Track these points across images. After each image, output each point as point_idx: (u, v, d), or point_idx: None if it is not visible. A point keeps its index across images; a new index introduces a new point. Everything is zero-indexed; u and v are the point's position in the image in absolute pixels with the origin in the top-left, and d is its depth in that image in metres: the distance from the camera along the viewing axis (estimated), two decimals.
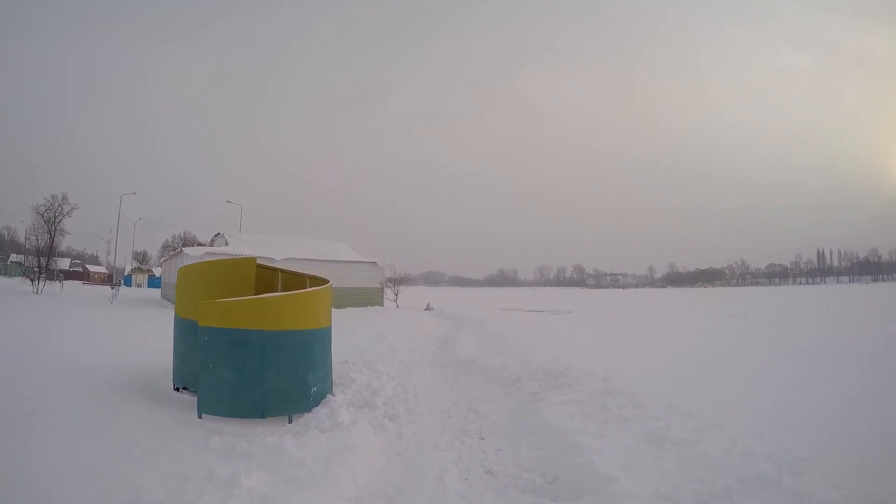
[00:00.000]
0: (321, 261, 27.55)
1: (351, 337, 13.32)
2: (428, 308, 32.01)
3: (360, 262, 29.69)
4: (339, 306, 28.63)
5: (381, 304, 29.83)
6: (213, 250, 25.07)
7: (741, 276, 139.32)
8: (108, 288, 38.08)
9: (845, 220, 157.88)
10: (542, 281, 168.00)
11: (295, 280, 8.31)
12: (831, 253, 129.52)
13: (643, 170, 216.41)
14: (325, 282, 7.37)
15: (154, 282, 54.15)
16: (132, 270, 68.67)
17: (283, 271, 8.41)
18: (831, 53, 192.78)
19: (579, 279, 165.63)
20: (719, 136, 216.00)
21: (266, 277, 8.29)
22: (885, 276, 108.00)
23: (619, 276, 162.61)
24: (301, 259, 26.66)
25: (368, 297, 29.15)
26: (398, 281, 32.30)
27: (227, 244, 28.75)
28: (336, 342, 12.78)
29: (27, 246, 61.14)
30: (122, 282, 54.96)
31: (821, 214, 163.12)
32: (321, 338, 6.38)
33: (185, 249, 24.52)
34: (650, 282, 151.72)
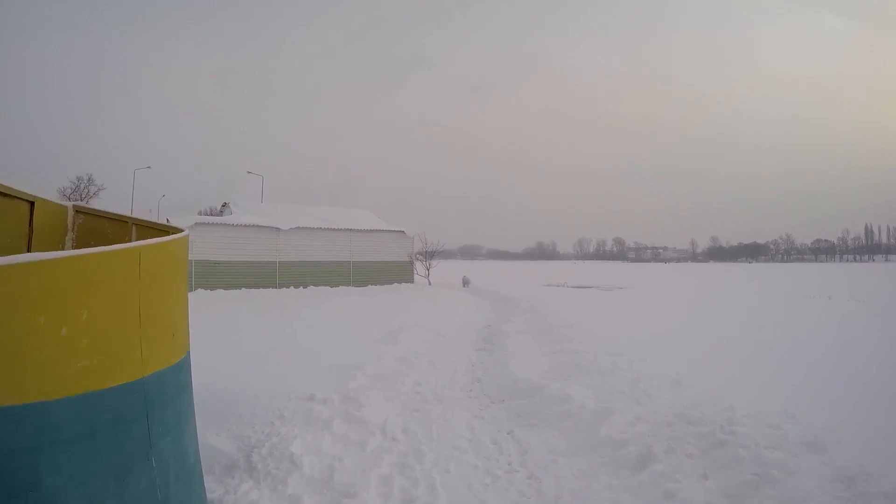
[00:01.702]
0: (336, 230, 23.29)
1: (348, 335, 8.99)
2: (464, 283, 27.51)
3: (385, 230, 25.24)
4: (359, 283, 24.70)
5: (411, 281, 25.43)
6: (205, 219, 21.08)
7: (786, 252, 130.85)
8: None
9: (894, 193, 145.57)
10: (582, 254, 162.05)
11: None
12: (879, 229, 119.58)
13: (684, 139, 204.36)
14: (174, 231, 2.93)
15: None
16: None
17: (142, 224, 3.95)
18: (872, 15, 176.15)
19: (619, 252, 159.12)
20: (761, 105, 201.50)
21: (111, 235, 3.89)
22: None
23: (660, 250, 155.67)
24: (312, 228, 22.51)
25: (395, 273, 24.80)
26: (430, 254, 27.67)
27: (231, 213, 24.72)
28: (322, 347, 7.83)
29: None
30: None
31: (869, 188, 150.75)
32: (112, 415, 1.92)
33: (172, 219, 20.59)
34: (692, 256, 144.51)
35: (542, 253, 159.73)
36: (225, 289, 19.42)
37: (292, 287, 20.94)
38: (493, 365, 7.34)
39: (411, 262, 25.82)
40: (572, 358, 7.38)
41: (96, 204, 60.03)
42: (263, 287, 20.50)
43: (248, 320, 11.50)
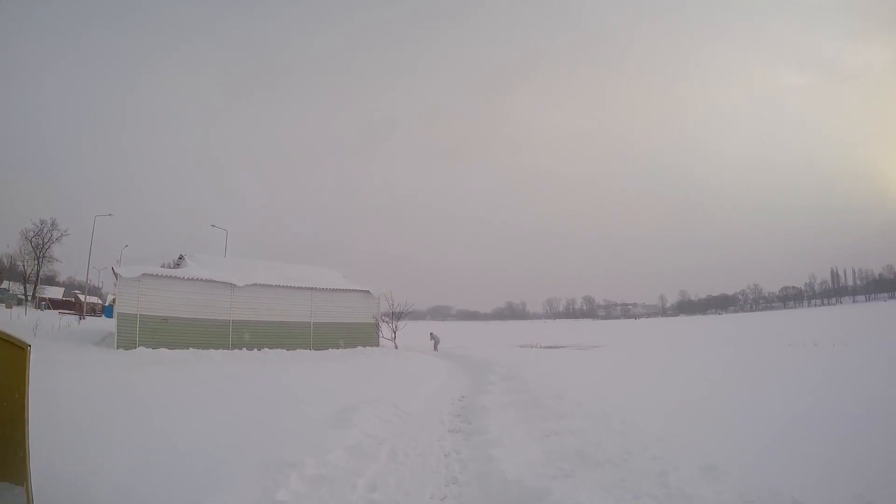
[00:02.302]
0: (296, 288, 21.59)
1: (292, 415, 7.33)
2: (434, 341, 25.72)
3: (349, 290, 23.60)
4: (319, 347, 22.61)
5: (376, 345, 23.56)
6: (154, 270, 19.14)
7: (754, 301, 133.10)
8: (72, 317, 36.40)
9: (856, 237, 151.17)
10: (552, 313, 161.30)
11: None
12: (845, 272, 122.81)
13: (646, 198, 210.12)
14: None
15: (108, 311, 48.65)
16: (113, 300, 62.87)
17: None
18: (829, 71, 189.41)
19: (589, 310, 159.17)
20: (720, 160, 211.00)
21: None
22: None
23: (630, 306, 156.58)
24: (269, 285, 20.83)
25: (359, 336, 22.94)
26: (398, 315, 25.74)
27: (187, 266, 22.83)
28: (254, 432, 5.35)
29: (15, 271, 57.77)
30: (104, 311, 50.64)
31: (831, 233, 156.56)
32: None
33: (118, 270, 18.67)
34: (661, 311, 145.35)
35: (512, 313, 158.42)
36: (170, 348, 17.33)
37: (244, 349, 18.93)
38: (473, 455, 5.77)
39: (377, 325, 24.01)
40: (572, 442, 5.91)
41: (58, 249, 57.34)
42: (214, 348, 18.44)
43: (178, 389, 9.61)
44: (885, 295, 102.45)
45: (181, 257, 25.27)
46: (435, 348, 25.17)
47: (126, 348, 17.02)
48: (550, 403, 8.47)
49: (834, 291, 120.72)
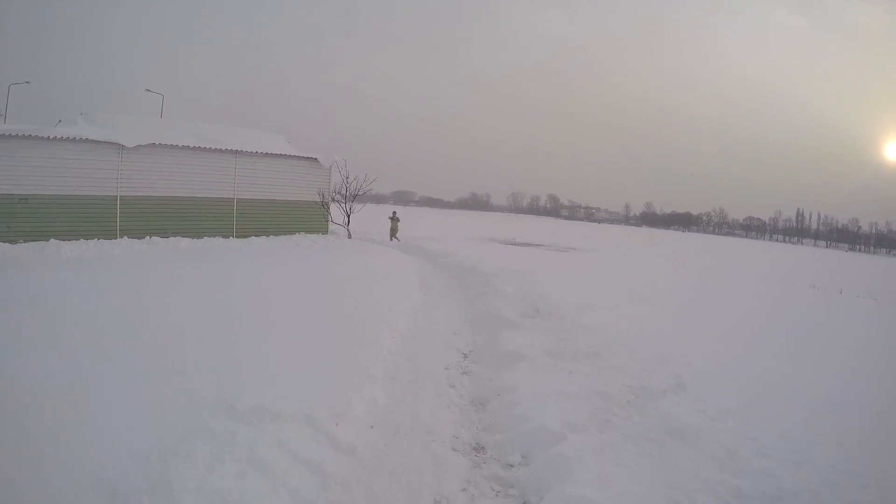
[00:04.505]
0: (213, 150, 15.67)
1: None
2: (391, 224, 20.94)
3: (288, 156, 17.65)
4: (244, 233, 13.44)
5: (324, 231, 18.29)
6: (3, 128, 12.86)
7: (717, 225, 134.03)
8: None
9: (827, 185, 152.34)
10: (515, 208, 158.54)
11: None
12: (811, 215, 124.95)
13: (624, 105, 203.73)
14: None
15: None
16: None
17: None
18: (828, 20, 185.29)
19: (553, 209, 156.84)
20: (706, 83, 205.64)
21: None
22: (862, 248, 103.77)
23: (594, 210, 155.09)
24: (173, 146, 14.85)
25: (300, 219, 17.56)
26: (353, 195, 20.07)
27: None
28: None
29: None
30: None
31: (803, 176, 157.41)
32: None
33: None
34: (625, 219, 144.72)
35: (476, 203, 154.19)
36: (23, 241, 11.76)
37: (126, 238, 13.39)
38: None
39: (325, 204, 18.46)
40: None
41: None
42: (90, 237, 12.89)
43: None
44: (846, 246, 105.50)
45: (81, 115, 18.56)
46: (393, 236, 20.22)
47: None
48: (688, 419, 3.72)
49: (796, 231, 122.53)
